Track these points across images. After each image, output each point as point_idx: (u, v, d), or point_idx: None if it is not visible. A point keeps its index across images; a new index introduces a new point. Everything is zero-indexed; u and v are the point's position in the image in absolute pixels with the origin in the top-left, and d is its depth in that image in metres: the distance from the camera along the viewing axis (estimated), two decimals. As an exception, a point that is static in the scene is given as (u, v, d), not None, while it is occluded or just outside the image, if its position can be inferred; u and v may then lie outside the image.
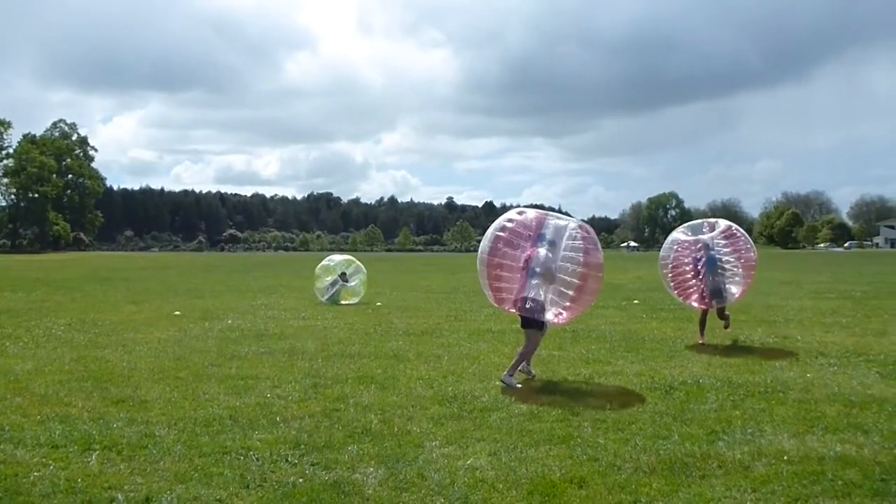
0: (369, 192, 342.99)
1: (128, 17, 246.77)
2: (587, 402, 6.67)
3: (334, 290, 17.40)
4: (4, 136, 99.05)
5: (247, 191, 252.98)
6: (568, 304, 7.85)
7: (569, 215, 8.96)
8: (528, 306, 7.57)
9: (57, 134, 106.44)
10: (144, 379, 7.84)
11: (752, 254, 10.64)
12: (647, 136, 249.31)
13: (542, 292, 7.60)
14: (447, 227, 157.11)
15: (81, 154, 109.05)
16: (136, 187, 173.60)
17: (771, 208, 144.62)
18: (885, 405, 6.49)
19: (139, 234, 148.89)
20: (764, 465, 4.90)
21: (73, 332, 11.79)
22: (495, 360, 9.00)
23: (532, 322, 7.65)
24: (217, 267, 44.79)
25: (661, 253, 11.02)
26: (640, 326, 12.40)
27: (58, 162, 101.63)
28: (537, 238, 7.74)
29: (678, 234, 10.90)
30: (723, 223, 10.89)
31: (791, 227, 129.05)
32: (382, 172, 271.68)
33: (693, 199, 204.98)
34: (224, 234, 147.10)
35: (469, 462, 4.98)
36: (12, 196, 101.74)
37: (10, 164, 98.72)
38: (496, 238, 7.88)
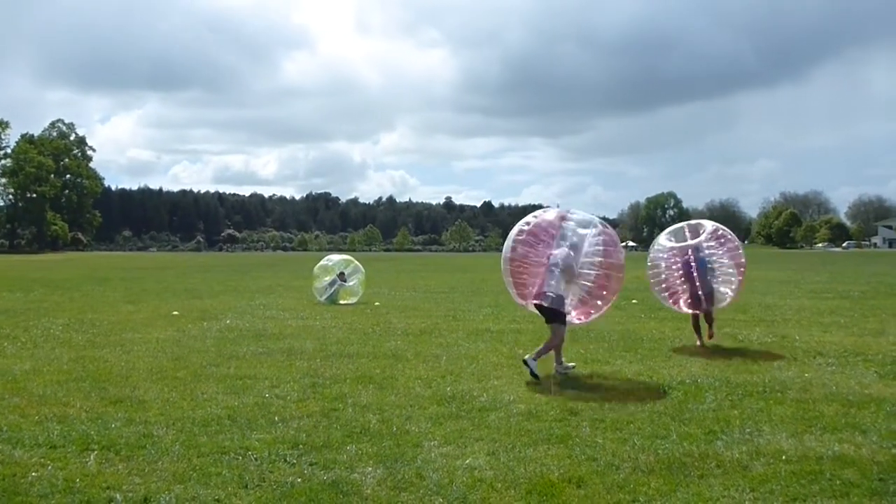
0: (367, 191, 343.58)
1: (126, 16, 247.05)
2: (586, 402, 6.68)
3: (333, 289, 17.39)
4: (2, 136, 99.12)
5: (245, 191, 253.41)
6: (590, 302, 8.26)
7: (603, 216, 9.31)
8: (548, 298, 7.88)
9: (55, 134, 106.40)
10: (142, 379, 7.84)
11: (743, 257, 10.40)
12: (645, 135, 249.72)
13: (562, 287, 7.92)
14: (445, 227, 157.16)
15: (79, 154, 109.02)
16: (134, 187, 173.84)
17: (769, 208, 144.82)
18: (882, 405, 6.49)
19: (137, 234, 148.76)
20: (762, 465, 4.91)
21: (71, 333, 11.78)
22: (494, 360, 9.01)
23: (555, 315, 7.94)
24: (215, 267, 44.77)
25: (650, 258, 10.69)
26: (638, 326, 12.41)
27: (56, 162, 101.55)
28: (558, 237, 8.12)
29: (665, 241, 10.53)
30: (708, 224, 10.64)
31: (789, 227, 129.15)
32: (381, 172, 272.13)
33: (691, 199, 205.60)
34: (222, 234, 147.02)
35: (467, 462, 4.98)
36: (10, 196, 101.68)
37: (7, 164, 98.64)
38: (517, 238, 8.33)
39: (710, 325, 10.29)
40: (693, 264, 10.10)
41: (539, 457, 5.08)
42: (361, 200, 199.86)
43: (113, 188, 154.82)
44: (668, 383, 7.49)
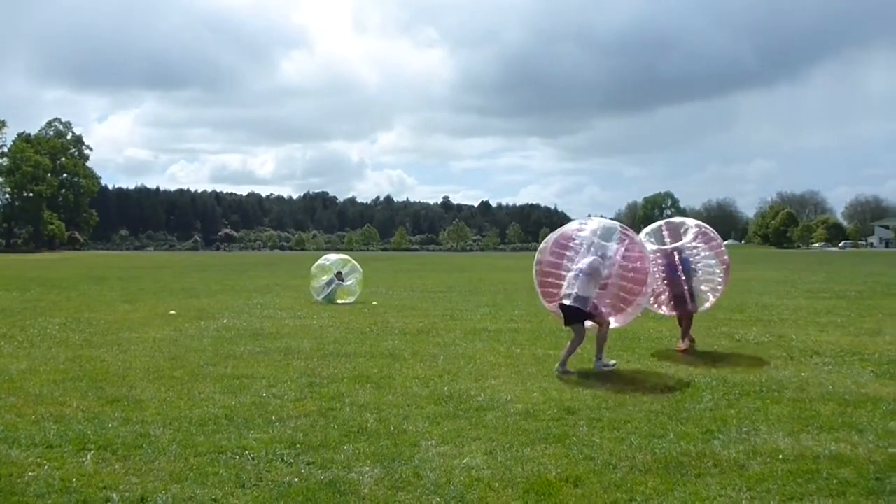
0: (365, 191, 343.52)
1: (123, 15, 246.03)
2: (583, 401, 6.68)
3: (330, 289, 17.38)
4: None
5: (242, 190, 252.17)
6: (623, 307, 8.79)
7: (600, 216, 9.93)
8: (570, 297, 8.20)
9: (52, 133, 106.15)
10: (139, 378, 7.83)
11: (726, 255, 10.16)
12: (642, 135, 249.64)
13: (587, 289, 8.23)
14: (443, 227, 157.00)
15: (76, 153, 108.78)
16: (132, 186, 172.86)
17: (766, 208, 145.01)
18: (879, 404, 6.51)
19: (134, 234, 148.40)
20: (759, 464, 4.92)
21: (67, 332, 11.76)
22: (491, 360, 9.01)
23: (576, 315, 8.22)
24: (212, 266, 44.72)
25: None
26: (635, 325, 12.36)
27: (52, 161, 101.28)
28: (587, 247, 8.59)
29: (648, 245, 9.99)
30: (691, 223, 10.35)
31: (786, 226, 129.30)
32: (378, 172, 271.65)
33: (688, 199, 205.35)
34: (219, 234, 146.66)
35: (465, 461, 4.98)
36: (7, 195, 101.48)
37: (4, 163, 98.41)
38: (549, 246, 9.00)
39: (687, 331, 9.94)
40: (679, 266, 9.86)
41: (536, 456, 5.09)
42: (359, 200, 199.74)
43: (110, 187, 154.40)
44: (665, 383, 7.51)
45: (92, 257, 68.00)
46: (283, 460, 5.03)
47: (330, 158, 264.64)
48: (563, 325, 8.67)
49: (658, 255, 9.98)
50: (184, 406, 6.55)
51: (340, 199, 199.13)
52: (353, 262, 18.30)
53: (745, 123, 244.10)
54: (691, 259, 9.91)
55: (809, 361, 8.80)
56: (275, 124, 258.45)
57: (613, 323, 8.83)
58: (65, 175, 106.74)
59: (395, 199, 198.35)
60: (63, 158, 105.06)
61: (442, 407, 6.50)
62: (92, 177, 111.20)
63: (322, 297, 17.30)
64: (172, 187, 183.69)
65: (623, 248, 8.62)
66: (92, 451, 5.20)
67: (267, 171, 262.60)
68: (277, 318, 13.81)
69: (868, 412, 6.25)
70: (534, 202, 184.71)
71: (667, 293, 9.99)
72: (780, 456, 5.06)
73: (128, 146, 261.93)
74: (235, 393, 7.10)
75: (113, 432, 5.67)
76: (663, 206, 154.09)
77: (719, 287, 10.03)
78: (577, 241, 8.79)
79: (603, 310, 8.53)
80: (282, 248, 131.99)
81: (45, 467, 4.87)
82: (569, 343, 8.42)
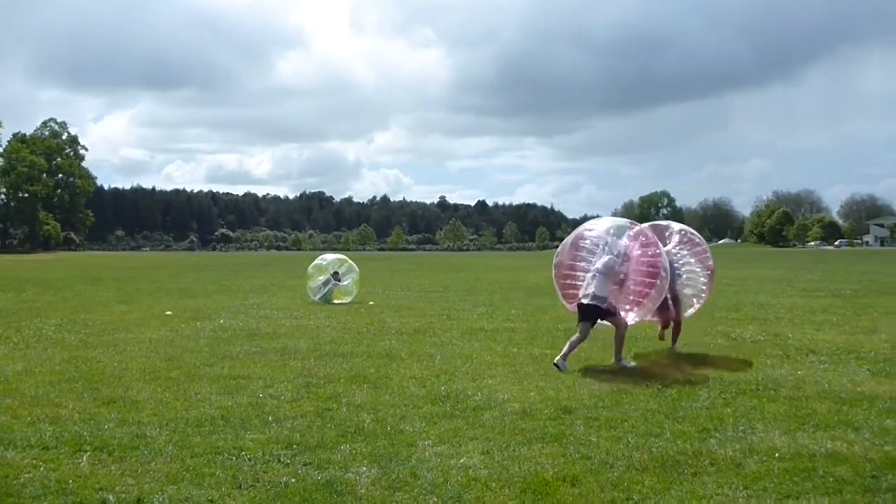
0: (362, 191, 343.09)
1: (118, 15, 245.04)
2: (579, 400, 6.69)
3: (327, 289, 17.36)
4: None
5: (239, 190, 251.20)
6: (638, 305, 8.90)
7: (597, 216, 9.97)
8: (588, 296, 8.43)
9: (47, 133, 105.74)
10: (136, 379, 7.81)
11: (711, 260, 9.90)
12: (638, 135, 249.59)
13: (603, 288, 8.44)
14: (440, 226, 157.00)
15: (72, 153, 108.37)
16: (127, 186, 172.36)
17: (762, 207, 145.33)
18: (875, 402, 6.53)
19: (130, 234, 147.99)
20: (755, 462, 4.93)
21: (63, 333, 11.73)
22: (488, 359, 9.01)
23: (593, 313, 8.44)
24: (209, 266, 44.65)
25: None
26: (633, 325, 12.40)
27: (48, 161, 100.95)
28: (603, 246, 8.80)
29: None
30: (675, 227, 10.15)
31: (782, 225, 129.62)
32: (375, 171, 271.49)
33: (685, 198, 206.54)
34: (216, 234, 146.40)
35: (462, 461, 4.99)
36: (2, 196, 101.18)
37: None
38: (567, 248, 9.26)
39: (676, 335, 9.78)
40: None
41: (533, 455, 5.09)
42: (355, 200, 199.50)
43: (105, 187, 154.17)
44: (662, 381, 7.51)
45: (88, 258, 67.83)
46: (279, 461, 5.03)
47: (326, 158, 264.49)
48: (577, 322, 8.77)
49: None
50: (180, 407, 6.54)
51: (337, 198, 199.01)
52: (350, 261, 18.28)
53: (741, 123, 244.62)
54: (675, 264, 9.61)
55: (805, 360, 8.82)
56: (271, 124, 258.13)
57: (632, 319, 8.97)
58: (60, 175, 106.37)
59: (392, 199, 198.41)
60: (58, 159, 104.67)
61: (439, 407, 6.50)
62: (87, 177, 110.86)
63: (319, 297, 17.29)
64: (168, 187, 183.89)
65: (637, 244, 8.85)
66: (88, 453, 5.19)
67: (263, 171, 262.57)
68: (274, 319, 13.79)
69: (864, 410, 6.26)
70: (530, 202, 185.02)
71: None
72: (777, 454, 5.07)
73: (123, 146, 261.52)
74: (232, 393, 7.09)
75: (109, 433, 5.66)
76: (660, 205, 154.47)
77: (703, 294, 9.83)
78: (591, 242, 9.03)
79: (619, 306, 8.70)
80: (278, 248, 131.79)
81: (41, 469, 4.86)
82: (575, 336, 8.62)
